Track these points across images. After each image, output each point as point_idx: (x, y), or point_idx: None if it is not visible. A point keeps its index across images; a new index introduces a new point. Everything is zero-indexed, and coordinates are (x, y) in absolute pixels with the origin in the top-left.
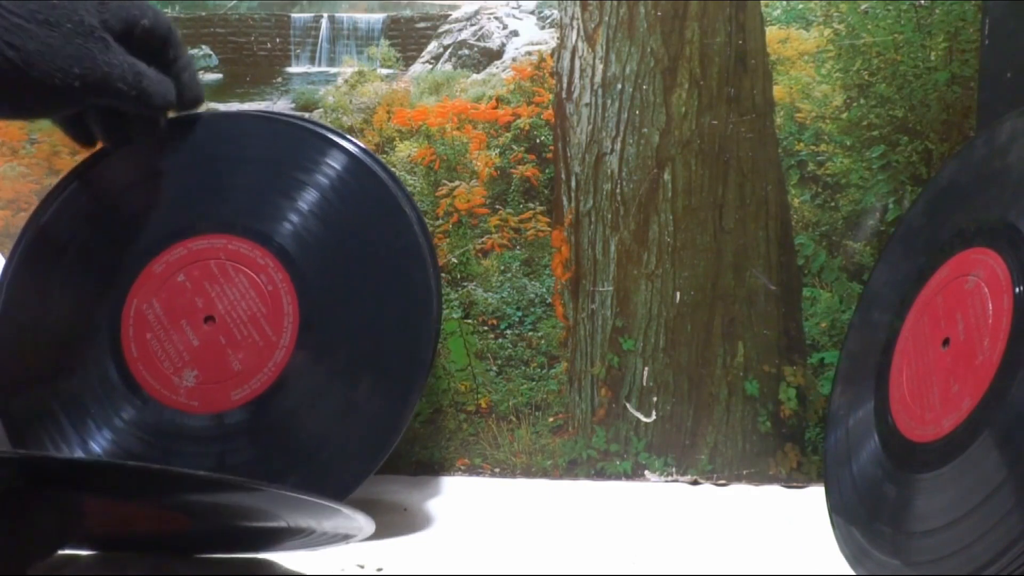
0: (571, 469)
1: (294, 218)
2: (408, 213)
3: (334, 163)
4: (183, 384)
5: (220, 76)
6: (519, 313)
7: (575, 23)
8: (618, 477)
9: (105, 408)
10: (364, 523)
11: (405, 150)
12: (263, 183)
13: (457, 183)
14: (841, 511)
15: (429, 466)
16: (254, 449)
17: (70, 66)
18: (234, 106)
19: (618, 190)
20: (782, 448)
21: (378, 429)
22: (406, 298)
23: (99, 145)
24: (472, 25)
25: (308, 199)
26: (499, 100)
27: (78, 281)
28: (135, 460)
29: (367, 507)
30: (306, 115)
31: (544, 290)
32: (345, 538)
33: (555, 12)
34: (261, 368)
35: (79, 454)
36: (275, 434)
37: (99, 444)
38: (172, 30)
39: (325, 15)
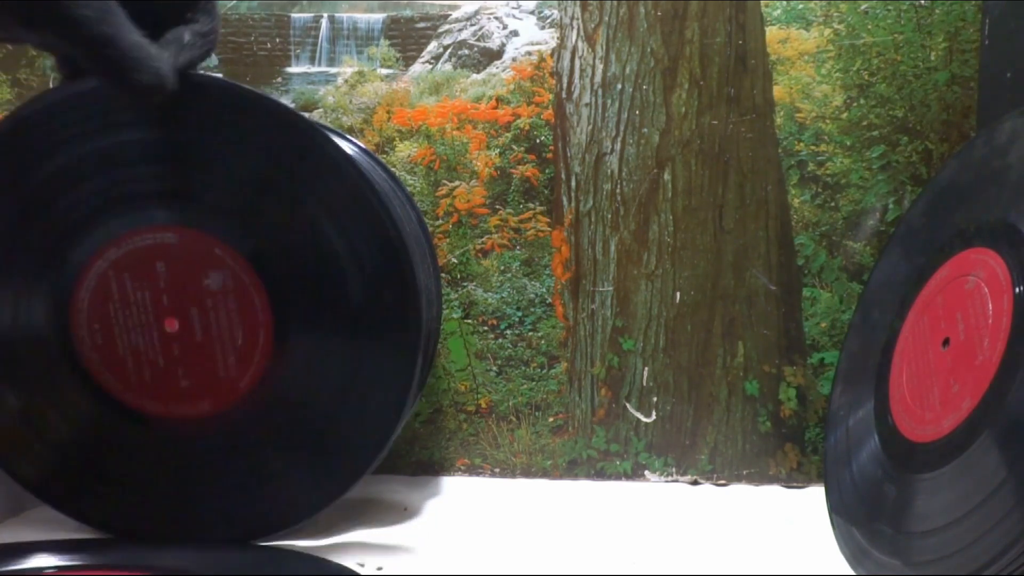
0: (571, 469)
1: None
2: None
3: None
4: None
5: (220, 76)
6: (519, 313)
7: (575, 23)
8: (618, 477)
9: None
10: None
11: (405, 150)
12: None
13: (457, 183)
14: (841, 511)
15: (429, 466)
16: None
17: None
18: None
19: (618, 190)
20: (782, 448)
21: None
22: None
23: None
24: (472, 25)
25: None
26: (499, 100)
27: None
28: None
29: (367, 507)
30: (304, 115)
31: (544, 290)
32: None
33: (555, 12)
34: None
35: None
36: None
37: None
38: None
39: (325, 15)
